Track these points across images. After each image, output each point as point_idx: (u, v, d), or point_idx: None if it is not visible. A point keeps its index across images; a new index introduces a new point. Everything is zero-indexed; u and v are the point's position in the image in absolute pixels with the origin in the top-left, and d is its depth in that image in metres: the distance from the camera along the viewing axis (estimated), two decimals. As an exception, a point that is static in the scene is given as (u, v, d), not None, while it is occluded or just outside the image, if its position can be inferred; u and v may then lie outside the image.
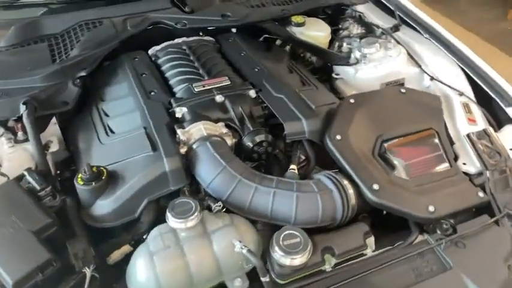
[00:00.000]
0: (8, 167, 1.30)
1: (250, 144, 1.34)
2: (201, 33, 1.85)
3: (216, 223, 1.15)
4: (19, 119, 1.40)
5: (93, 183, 1.20)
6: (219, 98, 1.42)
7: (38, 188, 1.22)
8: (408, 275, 1.16)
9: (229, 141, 1.35)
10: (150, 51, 1.72)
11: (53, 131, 1.49)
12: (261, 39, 1.92)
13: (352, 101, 1.48)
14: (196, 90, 1.45)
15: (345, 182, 1.26)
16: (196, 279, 1.09)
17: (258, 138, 1.34)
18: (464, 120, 1.56)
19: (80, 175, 1.22)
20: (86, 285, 1.10)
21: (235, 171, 1.23)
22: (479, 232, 1.25)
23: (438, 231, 1.25)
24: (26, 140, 1.38)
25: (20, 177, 1.26)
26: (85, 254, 1.13)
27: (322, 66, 1.92)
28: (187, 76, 1.53)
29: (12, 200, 1.17)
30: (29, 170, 1.26)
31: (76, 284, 1.11)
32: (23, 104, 1.40)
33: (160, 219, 1.21)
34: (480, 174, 1.39)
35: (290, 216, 1.20)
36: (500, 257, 1.19)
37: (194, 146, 1.29)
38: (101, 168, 1.24)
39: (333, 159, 1.36)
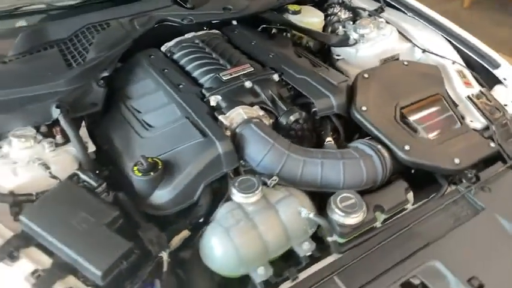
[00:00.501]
0: (55, 170, 1.30)
1: (288, 123, 1.43)
2: (205, 28, 1.90)
3: (276, 195, 1.24)
4: (53, 123, 1.41)
5: (151, 173, 1.25)
6: (248, 84, 1.50)
7: (95, 184, 1.24)
8: (448, 221, 1.31)
9: (267, 121, 1.43)
10: (163, 48, 1.75)
11: (83, 133, 1.49)
12: (259, 29, 2.01)
13: (366, 75, 1.61)
14: (224, 78, 1.52)
15: (379, 147, 1.38)
16: (270, 247, 1.17)
17: (293, 117, 1.44)
18: (462, 85, 1.73)
19: (135, 167, 1.26)
20: (164, 268, 1.15)
21: (283, 147, 1.32)
22: (499, 177, 1.42)
23: (464, 181, 1.40)
24: (65, 143, 1.39)
25: (71, 177, 1.27)
26: (159, 239, 1.17)
27: (318, 50, 2.05)
28: (211, 67, 1.59)
29: (74, 197, 1.19)
30: (81, 169, 1.28)
31: (153, 268, 1.15)
32: (56, 107, 1.40)
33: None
34: (486, 128, 1.57)
35: (339, 182, 1.31)
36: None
37: (238, 129, 1.36)
38: (155, 159, 1.28)
39: (355, 131, 1.48)
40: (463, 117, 1.61)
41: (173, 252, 1.25)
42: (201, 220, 1.30)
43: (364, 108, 1.48)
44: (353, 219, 1.21)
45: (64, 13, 1.82)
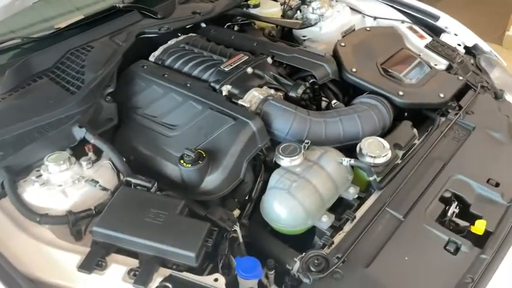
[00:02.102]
0: (102, 184, 1.33)
1: (298, 94, 1.58)
2: (179, 34, 1.99)
3: (315, 154, 1.38)
4: (80, 143, 1.42)
5: (199, 161, 1.32)
6: (249, 70, 1.63)
7: (150, 185, 1.30)
8: (451, 144, 1.54)
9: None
10: (151, 58, 1.81)
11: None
12: (225, 27, 2.13)
13: (343, 44, 1.82)
14: (227, 69, 1.63)
15: (379, 97, 1.58)
16: (325, 197, 1.31)
17: (300, 90, 1.59)
18: (416, 38, 2.01)
19: (182, 160, 1.33)
20: (240, 239, 1.24)
21: (304, 114, 1.47)
22: (475, 102, 1.69)
23: (450, 110, 1.65)
24: (97, 159, 1.41)
25: (125, 185, 1.31)
26: (228, 215, 1.26)
27: (281, 36, 2.22)
28: (208, 63, 1.69)
29: (138, 199, 1.24)
30: (130, 175, 1.32)
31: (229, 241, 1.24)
32: (80, 127, 1.43)
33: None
34: (449, 68, 1.85)
35: (358, 133, 1.48)
36: (497, 109, 1.65)
37: (260, 108, 1.48)
38: (196, 149, 1.36)
39: (347, 94, 1.68)
40: (428, 63, 1.87)
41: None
42: (246, 198, 1.41)
43: (354, 69, 1.68)
44: (383, 158, 1.40)
45: (42, 44, 1.81)
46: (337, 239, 1.26)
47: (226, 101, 1.50)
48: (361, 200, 1.37)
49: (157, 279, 1.09)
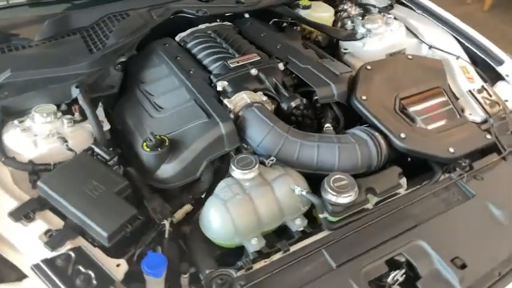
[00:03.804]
0: (72, 144, 1.41)
1: (289, 108, 1.51)
2: (218, 20, 2.00)
3: (273, 173, 1.32)
4: (73, 102, 1.52)
5: (159, 149, 1.35)
6: (253, 71, 1.59)
7: (108, 157, 1.35)
8: (439, 205, 1.36)
9: (269, 107, 1.52)
10: (177, 38, 1.86)
11: (99, 113, 1.60)
12: (271, 23, 2.09)
13: (369, 67, 1.68)
14: (232, 66, 1.61)
15: (376, 134, 1.45)
16: (264, 220, 1.26)
17: (294, 103, 1.52)
18: (464, 79, 1.78)
19: (145, 143, 1.36)
20: (166, 234, 1.24)
21: (282, 130, 1.40)
22: (492, 167, 1.47)
23: (457, 169, 1.45)
24: (82, 120, 1.50)
25: (87, 150, 1.38)
26: (162, 208, 1.28)
27: (327, 45, 2.12)
28: (220, 55, 1.69)
29: (88, 168, 1.30)
30: (95, 143, 1.39)
31: (156, 235, 1.25)
32: (76, 87, 1.52)
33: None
34: (485, 121, 1.62)
35: (333, 165, 1.38)
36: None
37: (241, 112, 1.45)
38: (163, 136, 1.38)
39: (355, 120, 1.55)
40: (462, 110, 1.66)
41: (176, 224, 1.35)
42: (203, 196, 1.40)
43: (364, 97, 1.55)
44: (345, 199, 1.28)
45: (87, 3, 1.94)
46: (259, 265, 1.20)
47: (213, 97, 1.49)
48: (304, 234, 1.29)
49: (68, 246, 1.15)
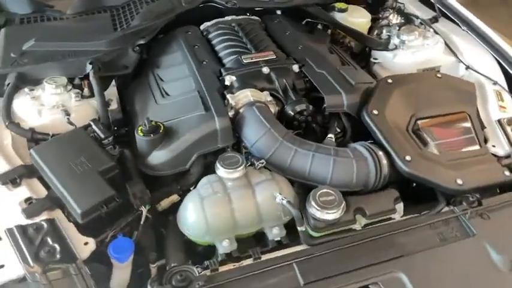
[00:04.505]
0: (74, 118, 1.45)
1: (292, 113, 1.46)
2: (248, 14, 1.97)
3: (259, 176, 1.28)
4: (85, 77, 1.56)
5: (152, 135, 1.34)
6: (265, 70, 1.54)
7: (103, 136, 1.37)
8: (433, 239, 1.25)
9: (273, 108, 1.47)
10: (201, 27, 1.85)
11: (112, 92, 1.63)
12: (304, 22, 2.02)
13: (390, 81, 1.57)
14: (245, 61, 1.58)
15: (380, 153, 1.36)
16: (240, 223, 1.22)
17: (298, 108, 1.46)
18: (496, 107, 1.63)
19: (140, 127, 1.36)
20: (141, 222, 1.24)
21: (278, 134, 1.35)
22: (504, 207, 1.33)
23: (464, 203, 1.33)
24: (91, 96, 1.53)
25: (86, 127, 1.41)
26: (142, 194, 1.27)
27: (360, 52, 2.02)
28: (236, 49, 1.66)
29: (81, 143, 1.33)
30: (94, 120, 1.41)
31: (133, 220, 1.25)
32: (89, 63, 1.55)
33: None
34: (508, 156, 1.47)
35: (326, 178, 1.31)
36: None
37: (241, 110, 1.41)
38: (159, 123, 1.37)
39: (366, 134, 1.46)
40: (486, 140, 1.52)
41: (162, 213, 1.35)
42: (191, 188, 1.38)
43: (375, 112, 1.45)
44: (328, 215, 1.21)
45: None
46: (225, 268, 1.17)
47: (217, 90, 1.46)
48: (280, 244, 1.24)
49: (43, 217, 1.18)
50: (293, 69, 1.58)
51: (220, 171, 1.25)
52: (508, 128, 1.54)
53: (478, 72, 1.77)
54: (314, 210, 1.22)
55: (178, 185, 1.37)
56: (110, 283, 1.16)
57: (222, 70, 1.56)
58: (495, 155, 1.48)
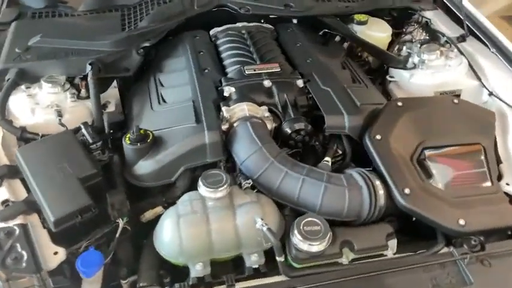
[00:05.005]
0: (68, 119, 1.43)
1: (289, 131, 1.38)
2: (262, 21, 1.89)
3: (243, 198, 1.21)
4: (85, 78, 1.53)
5: (139, 144, 1.30)
6: (267, 83, 1.47)
7: (90, 141, 1.34)
8: (425, 283, 1.15)
9: (270, 125, 1.39)
10: (211, 32, 1.79)
11: (112, 94, 1.60)
12: (321, 33, 1.93)
13: (399, 104, 1.47)
14: (247, 72, 1.51)
15: (377, 182, 1.26)
16: (216, 247, 1.16)
17: (297, 126, 1.38)
18: (514, 139, 1.49)
19: (128, 135, 1.32)
20: (117, 235, 1.20)
21: (270, 153, 1.28)
22: (509, 254, 1.21)
23: (465, 246, 1.22)
24: (87, 97, 1.51)
25: (77, 130, 1.38)
26: (121, 206, 1.23)
27: (378, 67, 1.92)
28: (241, 59, 1.59)
29: (66, 147, 1.30)
30: (85, 124, 1.38)
31: (109, 232, 1.21)
32: (89, 64, 1.53)
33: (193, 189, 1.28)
34: (520, 196, 1.34)
35: (315, 205, 1.23)
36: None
37: (235, 124, 1.34)
38: (148, 131, 1.33)
39: (369, 159, 1.37)
40: (500, 177, 1.39)
41: (147, 225, 1.30)
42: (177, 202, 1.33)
43: (378, 137, 1.36)
44: (311, 247, 1.14)
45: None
46: (196, 293, 1.11)
47: (212, 102, 1.40)
48: (256, 272, 1.16)
49: (18, 221, 1.16)
50: (297, 84, 1.50)
51: (202, 189, 1.19)
52: (527, 165, 1.40)
53: (502, 100, 1.63)
54: (297, 240, 1.15)
55: (163, 197, 1.33)
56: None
57: (222, 80, 1.50)
58: (508, 195, 1.35)
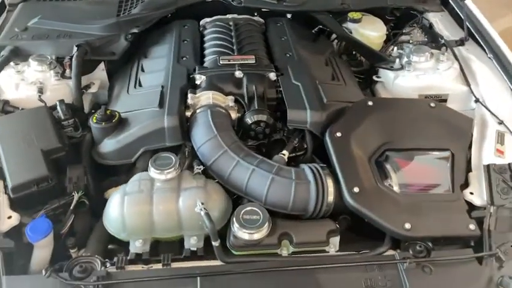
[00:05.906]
0: (50, 97, 1.51)
1: (249, 121, 1.39)
2: (255, 14, 1.91)
3: (189, 182, 1.24)
4: (71, 58, 1.61)
5: (103, 123, 1.36)
6: (238, 74, 1.49)
7: (62, 117, 1.42)
8: (359, 283, 1.13)
9: (234, 114, 1.41)
10: (201, 22, 1.83)
11: (99, 76, 1.68)
12: (315, 30, 1.92)
13: (370, 103, 1.45)
14: (221, 62, 1.54)
15: (328, 179, 1.26)
16: (158, 226, 1.20)
17: (257, 117, 1.39)
18: (492, 150, 1.43)
19: (95, 115, 1.39)
20: (71, 207, 1.27)
21: (224, 141, 1.30)
22: (454, 264, 1.17)
23: (410, 251, 1.19)
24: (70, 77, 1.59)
25: (55, 107, 1.46)
26: (78, 180, 1.30)
27: (370, 67, 1.88)
28: (220, 49, 1.62)
29: (38, 121, 1.38)
30: (61, 101, 1.46)
31: (65, 204, 1.28)
32: (76, 46, 1.61)
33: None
34: (484, 208, 1.29)
35: (261, 196, 1.24)
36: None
37: (198, 111, 1.38)
38: (116, 112, 1.39)
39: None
40: (466, 186, 1.34)
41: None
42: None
43: (338, 134, 1.35)
44: (247, 235, 1.16)
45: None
46: (133, 268, 1.16)
47: (180, 88, 1.44)
48: (193, 254, 1.20)
49: (-19, 186, 1.25)
50: (269, 77, 1.51)
51: (151, 170, 1.24)
52: (495, 176, 1.34)
53: (486, 108, 1.56)
54: (235, 227, 1.17)
55: (127, 177, 1.38)
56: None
57: (196, 68, 1.53)
58: (470, 204, 1.30)
